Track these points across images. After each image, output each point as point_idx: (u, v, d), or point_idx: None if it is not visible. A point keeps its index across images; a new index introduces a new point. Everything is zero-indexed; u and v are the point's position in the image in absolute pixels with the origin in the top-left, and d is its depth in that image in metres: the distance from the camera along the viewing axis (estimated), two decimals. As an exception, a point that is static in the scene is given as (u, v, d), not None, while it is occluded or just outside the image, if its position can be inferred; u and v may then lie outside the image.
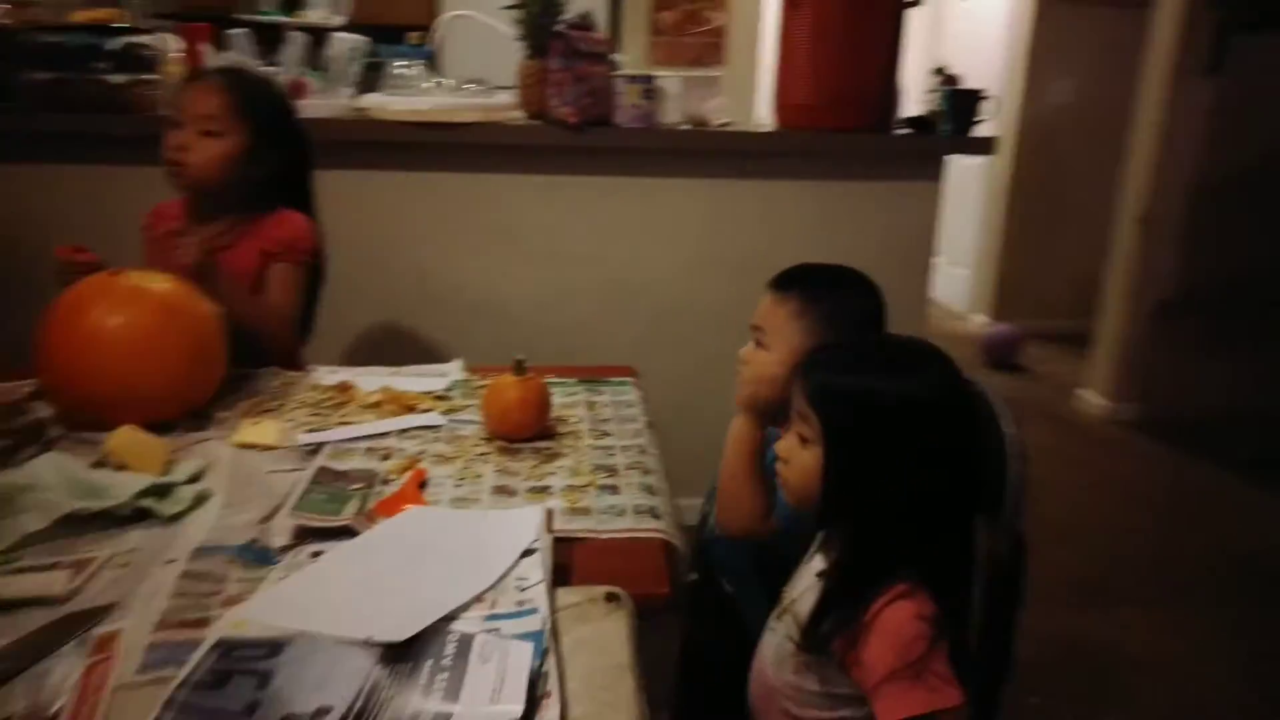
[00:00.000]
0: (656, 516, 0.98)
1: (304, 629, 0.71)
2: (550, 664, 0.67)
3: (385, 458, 1.10)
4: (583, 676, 0.68)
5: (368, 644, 0.69)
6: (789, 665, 0.94)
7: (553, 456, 1.13)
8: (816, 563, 0.98)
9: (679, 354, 2.40)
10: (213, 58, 2.28)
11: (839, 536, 0.95)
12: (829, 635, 0.88)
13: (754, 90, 4.29)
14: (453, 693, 0.64)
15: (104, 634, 0.72)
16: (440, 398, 1.32)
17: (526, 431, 1.17)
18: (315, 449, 1.11)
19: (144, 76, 2.13)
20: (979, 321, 4.61)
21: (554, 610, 0.76)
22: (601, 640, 0.72)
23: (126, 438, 1.02)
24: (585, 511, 0.98)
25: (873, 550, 0.90)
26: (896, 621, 0.85)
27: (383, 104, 2.10)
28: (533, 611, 0.75)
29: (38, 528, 0.86)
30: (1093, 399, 3.46)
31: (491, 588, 0.79)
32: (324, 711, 0.62)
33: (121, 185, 2.15)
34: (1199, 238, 3.14)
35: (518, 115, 2.29)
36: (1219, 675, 1.97)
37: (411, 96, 2.16)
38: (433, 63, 2.69)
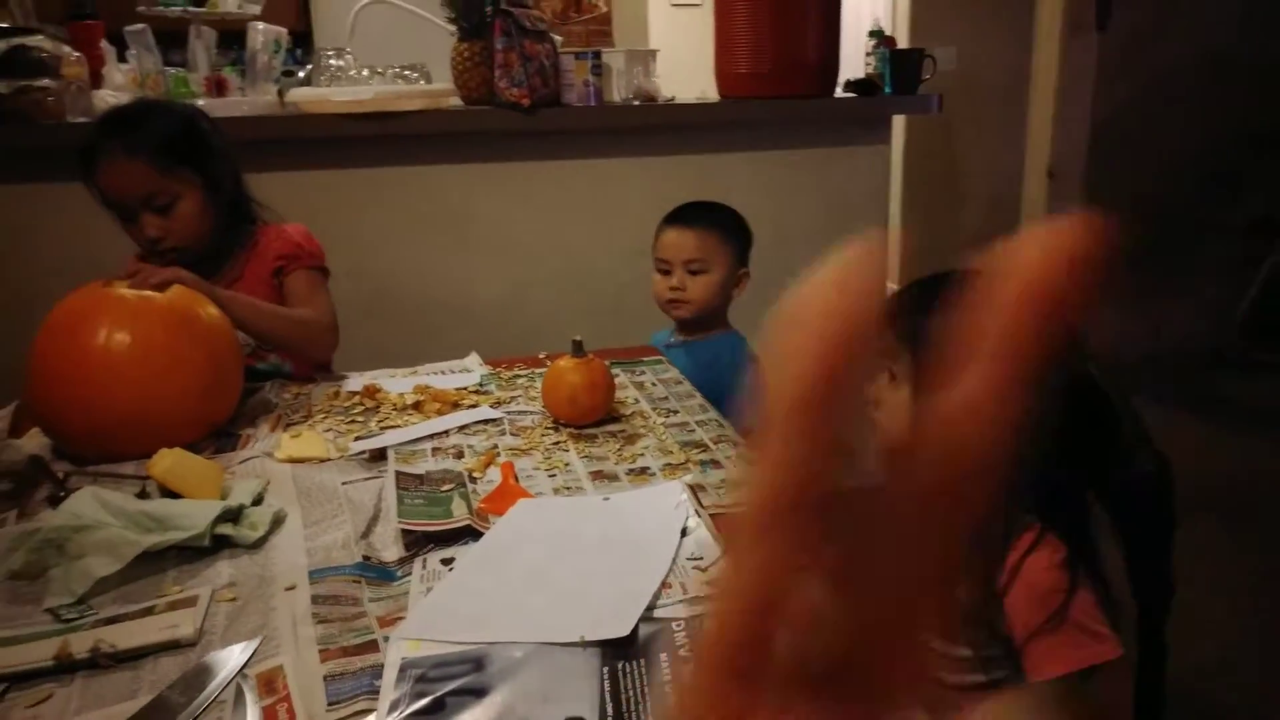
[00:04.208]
0: (774, 482, 0.94)
1: (493, 639, 0.63)
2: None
3: (458, 456, 1.01)
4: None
5: (582, 644, 0.61)
6: None
7: (633, 438, 1.07)
8: None
9: (639, 337, 2.35)
10: (113, 61, 2.06)
11: None
12: (971, 604, 0.86)
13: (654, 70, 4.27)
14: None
15: (263, 673, 0.61)
16: (478, 391, 1.23)
17: (595, 415, 1.10)
18: (375, 455, 1.01)
19: (34, 83, 1.90)
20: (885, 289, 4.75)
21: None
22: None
23: (174, 462, 0.89)
24: (700, 488, 0.92)
25: None
26: (1033, 572, 0.83)
27: (322, 96, 1.95)
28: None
29: (110, 570, 0.73)
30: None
31: (671, 573, 0.72)
32: (576, 721, 0.55)
33: (30, 206, 1.92)
34: (1098, 187, 3.34)
35: (455, 101, 2.18)
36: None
37: (346, 88, 2.02)
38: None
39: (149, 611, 0.69)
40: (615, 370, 1.31)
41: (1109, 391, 0.95)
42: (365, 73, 2.08)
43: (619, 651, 0.61)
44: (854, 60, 2.61)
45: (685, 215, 1.53)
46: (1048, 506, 0.86)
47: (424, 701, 0.57)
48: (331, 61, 2.15)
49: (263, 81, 2.08)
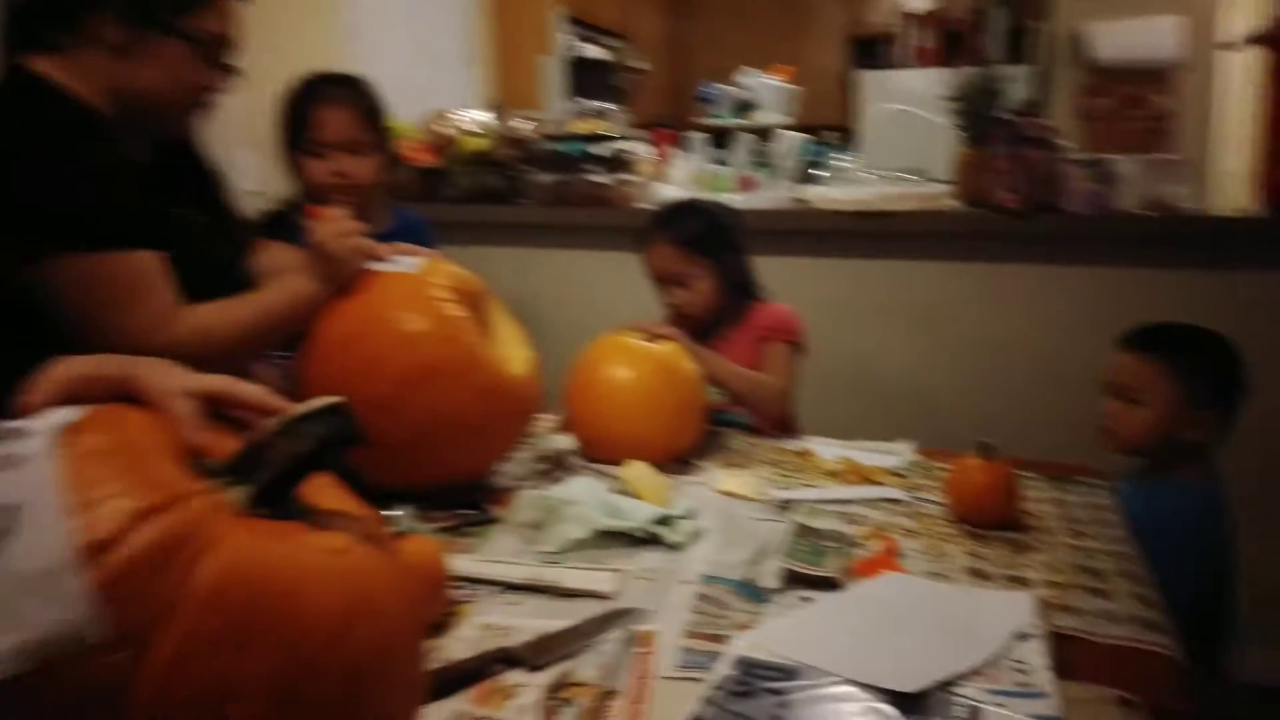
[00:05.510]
0: (1161, 631, 0.90)
1: (812, 663, 0.77)
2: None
3: (853, 522, 1.15)
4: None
5: (875, 688, 0.72)
6: None
7: (1025, 548, 1.09)
8: None
9: (1103, 457, 2.18)
10: (676, 158, 2.61)
11: None
12: None
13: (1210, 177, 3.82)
14: (970, 756, 0.65)
15: (644, 631, 0.84)
16: (895, 474, 1.35)
17: (993, 518, 1.15)
18: (787, 505, 1.20)
19: (624, 176, 2.50)
20: None
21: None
22: (1122, 744, 0.68)
23: (640, 472, 1.19)
24: (1073, 610, 0.93)
25: None
26: None
27: (826, 195, 2.23)
28: (1041, 695, 0.73)
29: (581, 536, 1.04)
30: None
31: (989, 664, 0.78)
32: (847, 743, 0.67)
33: (606, 267, 2.52)
34: None
35: (952, 203, 2.30)
36: None
37: (850, 187, 2.28)
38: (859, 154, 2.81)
39: (591, 569, 0.97)
40: (1038, 482, 1.32)
41: None
42: (871, 174, 2.33)
43: (908, 707, 0.71)
44: None
45: (1138, 337, 1.44)
46: None
47: (740, 688, 0.73)
48: (843, 163, 2.44)
49: (783, 179, 2.44)
